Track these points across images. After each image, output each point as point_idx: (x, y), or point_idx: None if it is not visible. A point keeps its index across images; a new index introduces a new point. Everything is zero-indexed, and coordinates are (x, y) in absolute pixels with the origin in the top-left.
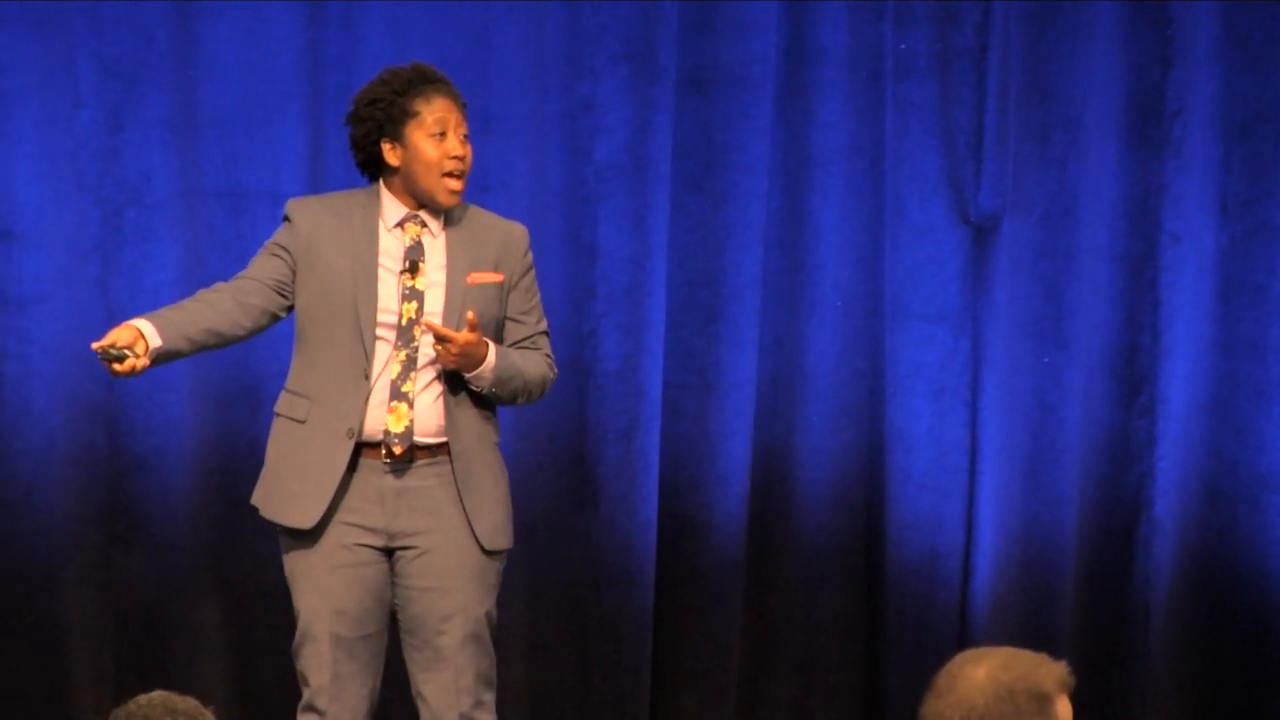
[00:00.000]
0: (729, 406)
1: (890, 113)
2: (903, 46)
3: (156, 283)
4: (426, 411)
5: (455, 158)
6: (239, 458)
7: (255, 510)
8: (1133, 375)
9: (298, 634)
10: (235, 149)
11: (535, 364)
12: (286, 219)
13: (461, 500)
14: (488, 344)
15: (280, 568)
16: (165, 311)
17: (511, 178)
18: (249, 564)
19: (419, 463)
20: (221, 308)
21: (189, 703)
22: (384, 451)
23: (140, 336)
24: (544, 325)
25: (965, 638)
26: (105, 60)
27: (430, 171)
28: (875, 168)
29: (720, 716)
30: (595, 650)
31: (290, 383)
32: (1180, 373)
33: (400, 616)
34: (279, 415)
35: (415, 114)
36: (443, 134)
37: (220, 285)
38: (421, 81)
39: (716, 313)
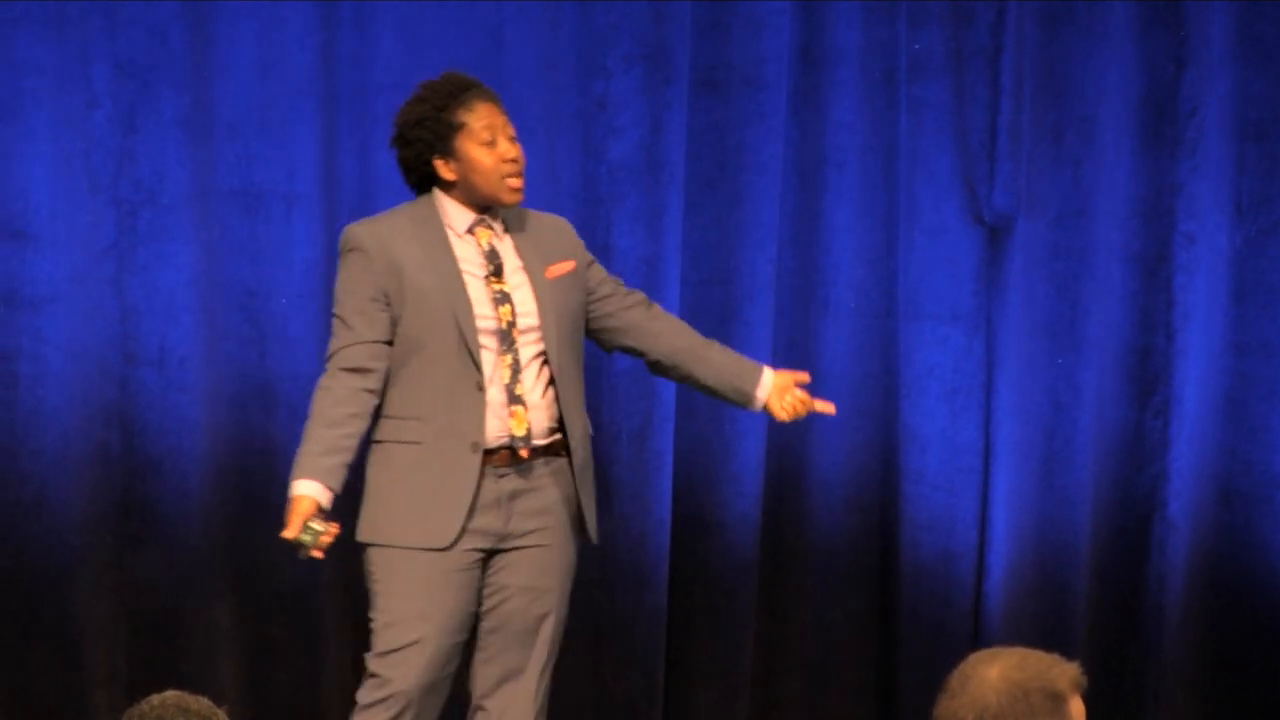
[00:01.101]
0: None
1: (904, 112)
2: (917, 46)
3: (171, 283)
4: (537, 412)
5: (510, 160)
6: (252, 458)
7: (268, 511)
8: (1147, 376)
9: (390, 635)
10: (249, 149)
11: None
12: (356, 250)
13: (577, 497)
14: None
15: (292, 567)
16: (320, 457)
17: (525, 177)
18: (262, 564)
19: (533, 463)
20: (355, 406)
21: (202, 703)
22: (509, 456)
23: (316, 506)
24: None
25: (979, 638)
26: (120, 60)
27: (489, 179)
28: (889, 167)
29: (733, 716)
30: (608, 649)
31: (390, 409)
32: (1194, 373)
33: (482, 613)
34: (383, 443)
35: (462, 125)
36: (493, 140)
37: (338, 374)
38: (460, 91)
39: (730, 312)
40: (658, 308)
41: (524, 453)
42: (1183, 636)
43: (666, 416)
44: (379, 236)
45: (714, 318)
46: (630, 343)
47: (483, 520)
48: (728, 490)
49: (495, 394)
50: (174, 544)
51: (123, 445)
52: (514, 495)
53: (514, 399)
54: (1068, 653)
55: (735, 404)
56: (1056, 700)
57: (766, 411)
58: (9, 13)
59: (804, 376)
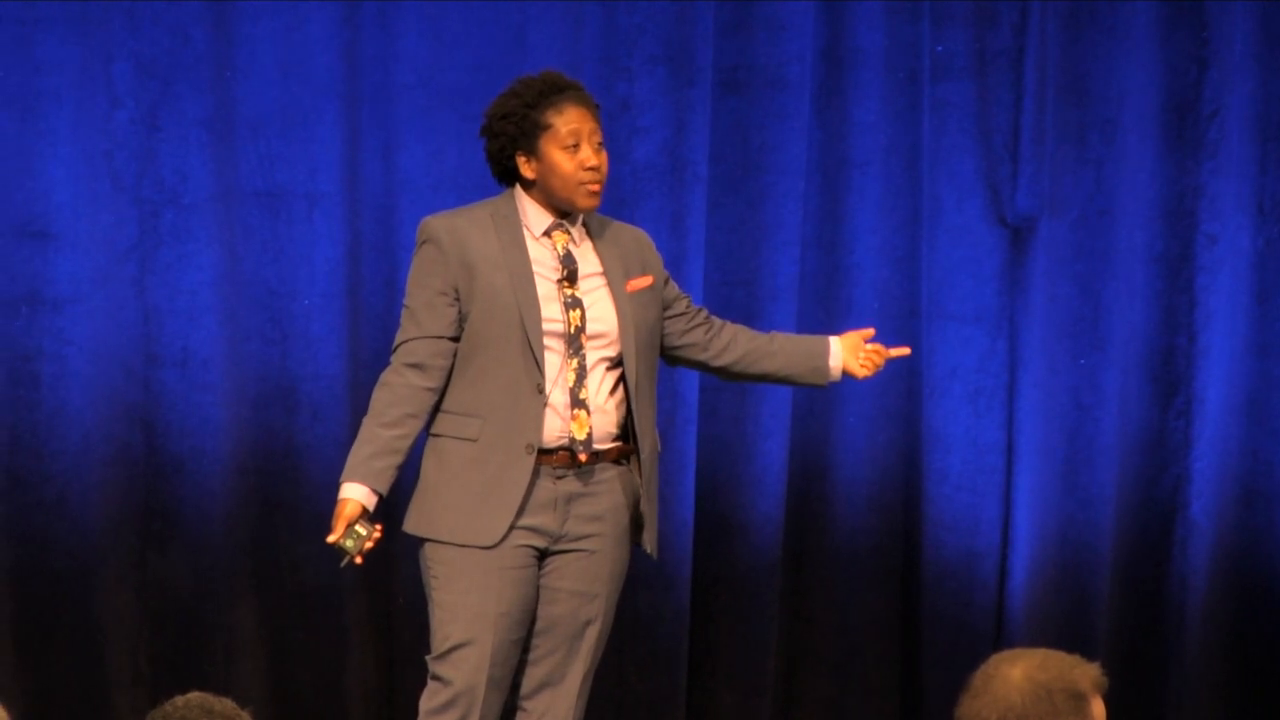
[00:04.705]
0: (766, 408)
1: (927, 113)
2: (940, 47)
3: (193, 283)
4: (601, 416)
5: (590, 169)
6: (275, 459)
7: (290, 511)
8: (1169, 376)
9: (451, 634)
10: (272, 149)
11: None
12: (430, 243)
13: (635, 506)
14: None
15: (319, 568)
16: (371, 459)
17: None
18: (284, 565)
19: (593, 468)
20: (412, 405)
21: (225, 704)
22: (568, 457)
23: (363, 509)
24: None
25: (1001, 638)
26: (142, 60)
27: (566, 183)
28: (912, 168)
29: (756, 716)
30: (632, 651)
31: (450, 404)
32: (1217, 374)
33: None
34: (440, 436)
35: (548, 127)
36: (576, 145)
37: (401, 369)
38: (552, 91)
39: (754, 313)
40: (715, 319)
41: (582, 457)
42: (1204, 637)
43: (689, 418)
44: (456, 231)
45: (737, 319)
46: (698, 358)
47: (538, 519)
48: (751, 491)
49: (559, 396)
50: (196, 544)
51: (145, 446)
52: (571, 498)
53: (577, 403)
54: (1089, 653)
55: (813, 383)
56: (1079, 700)
57: (848, 374)
58: (32, 13)
59: (869, 332)
